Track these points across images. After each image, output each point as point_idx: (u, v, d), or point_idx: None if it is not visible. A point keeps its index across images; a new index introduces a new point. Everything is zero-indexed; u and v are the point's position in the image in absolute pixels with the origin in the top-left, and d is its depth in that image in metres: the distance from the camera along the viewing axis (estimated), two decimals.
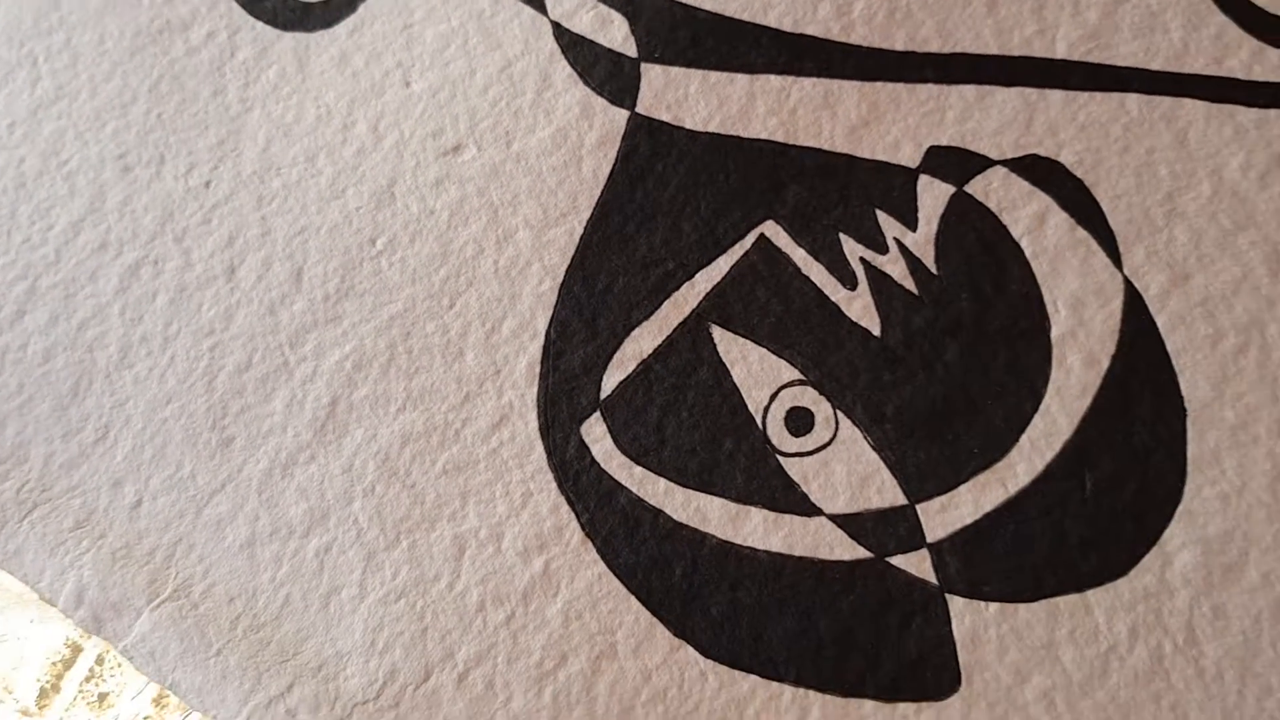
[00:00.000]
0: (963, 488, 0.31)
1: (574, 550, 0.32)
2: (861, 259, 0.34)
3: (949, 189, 0.35)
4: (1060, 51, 0.36)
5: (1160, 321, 0.33)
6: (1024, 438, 0.32)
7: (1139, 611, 0.30)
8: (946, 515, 0.31)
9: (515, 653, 0.31)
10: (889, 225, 0.35)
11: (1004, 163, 0.35)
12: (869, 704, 0.29)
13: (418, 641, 0.31)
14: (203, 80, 0.40)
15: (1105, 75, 0.36)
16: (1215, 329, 0.32)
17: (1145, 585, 0.30)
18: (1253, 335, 0.32)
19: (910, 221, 0.35)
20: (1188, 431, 0.31)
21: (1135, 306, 0.33)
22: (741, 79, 0.37)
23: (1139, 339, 0.33)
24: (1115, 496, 0.31)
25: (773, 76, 0.37)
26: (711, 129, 0.37)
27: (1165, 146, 0.35)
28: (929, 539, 0.31)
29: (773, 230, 0.35)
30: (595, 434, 0.33)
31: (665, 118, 0.37)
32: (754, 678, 0.30)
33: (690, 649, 0.31)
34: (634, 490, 0.32)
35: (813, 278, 0.34)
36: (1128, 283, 0.33)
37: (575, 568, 0.32)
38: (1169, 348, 0.32)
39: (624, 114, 0.37)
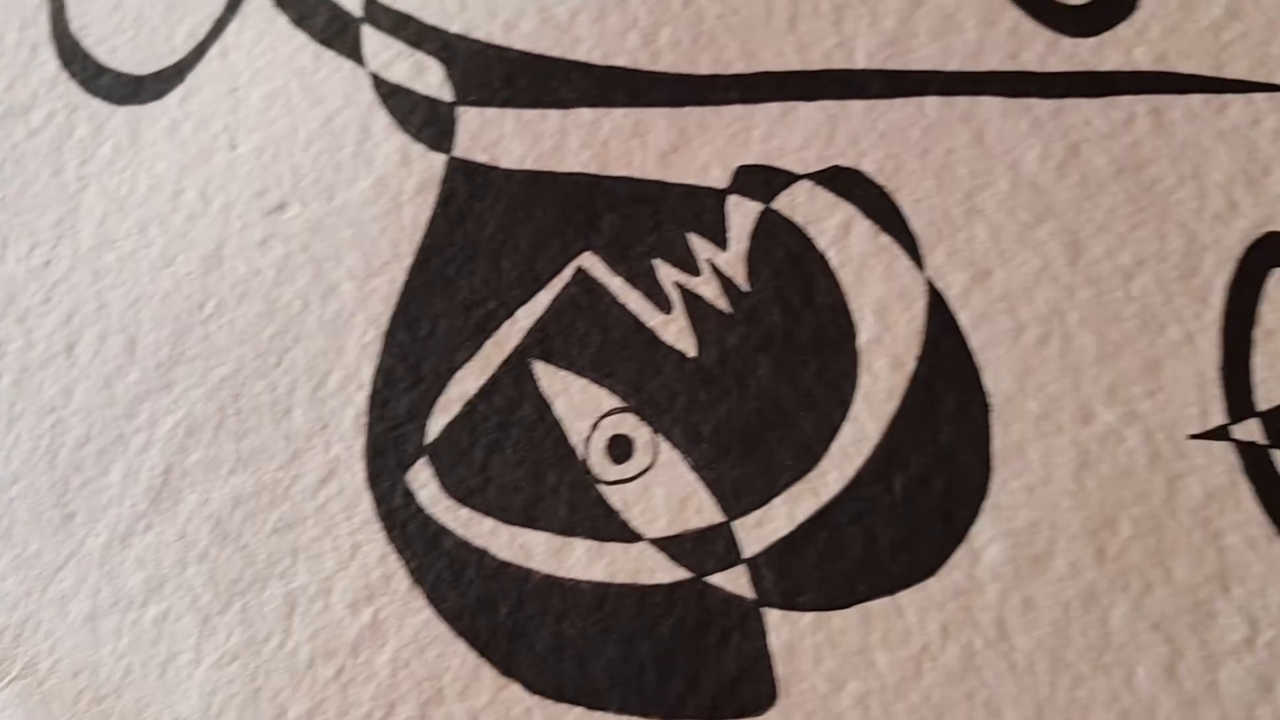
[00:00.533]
0: (777, 500, 0.32)
1: (402, 598, 0.32)
2: (676, 282, 0.35)
3: (757, 206, 0.36)
4: (860, 62, 0.37)
5: (963, 319, 0.33)
6: (834, 445, 0.32)
7: (949, 609, 0.30)
8: (762, 529, 0.32)
9: (345, 706, 0.31)
10: (701, 247, 0.35)
11: (808, 176, 0.36)
12: None
13: (250, 703, 0.32)
14: (43, 161, 0.41)
15: (903, 81, 0.37)
16: (1017, 322, 0.33)
17: (955, 582, 0.30)
18: (1054, 325, 0.33)
19: (721, 242, 0.35)
20: (992, 426, 0.32)
21: (938, 307, 0.33)
22: (554, 115, 0.38)
23: (943, 339, 0.33)
24: (924, 496, 0.31)
25: (585, 110, 0.38)
26: (527, 166, 0.37)
27: (964, 146, 0.35)
28: (745, 554, 0.31)
29: (590, 261, 0.36)
30: (421, 479, 0.34)
31: (482, 159, 0.38)
32: (578, 709, 0.30)
33: (517, 686, 0.31)
34: (460, 532, 0.33)
35: (629, 305, 0.35)
36: (930, 284, 0.34)
37: (403, 615, 0.32)
38: (972, 345, 0.33)
39: (442, 158, 0.38)
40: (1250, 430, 0.31)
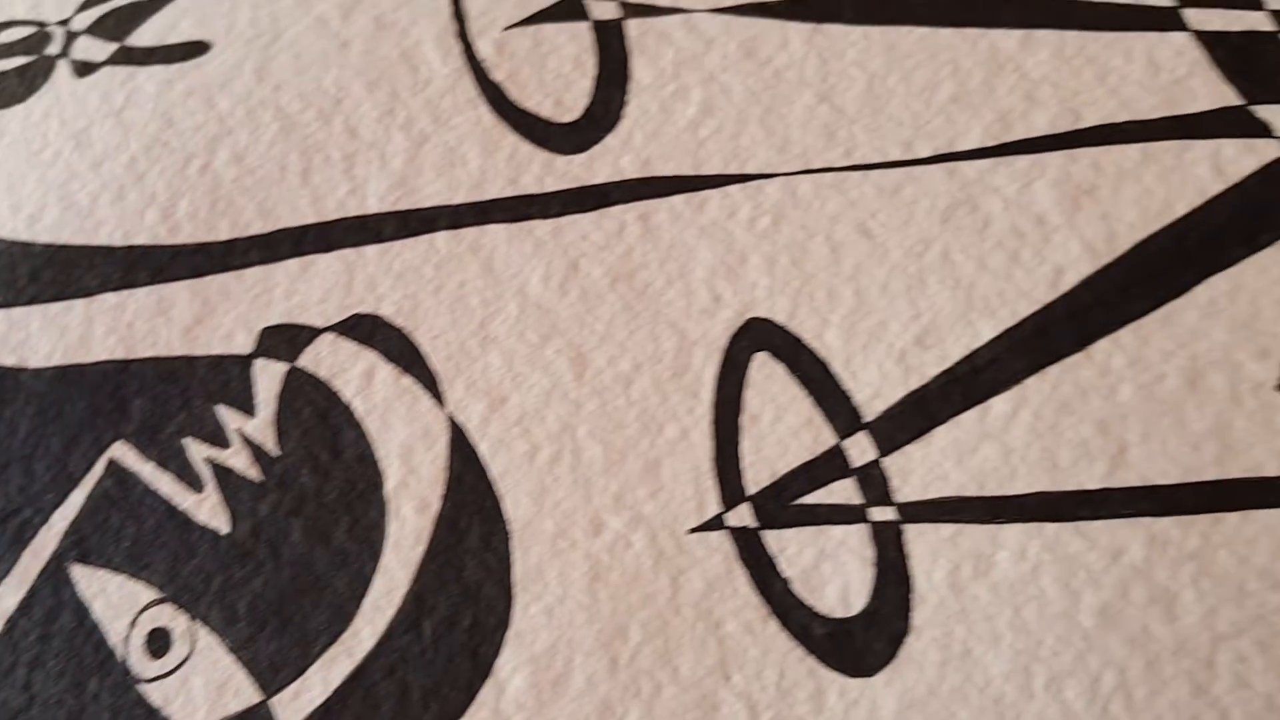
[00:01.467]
0: (312, 668, 0.32)
1: None
2: (207, 458, 0.35)
3: (283, 367, 0.36)
4: (372, 206, 0.38)
5: (482, 450, 0.34)
6: (367, 601, 0.33)
7: None
8: (299, 701, 0.32)
9: None
10: (230, 417, 0.35)
11: (331, 328, 0.36)
12: None
13: None
14: None
15: (414, 220, 0.38)
16: (531, 444, 0.34)
17: None
18: (565, 441, 0.34)
19: (250, 409, 0.35)
20: (513, 553, 0.33)
21: (460, 442, 0.34)
22: (79, 304, 0.38)
23: (465, 473, 0.34)
24: (452, 637, 0.32)
25: (109, 295, 0.38)
26: (54, 363, 0.37)
27: (474, 277, 0.36)
28: None
29: (121, 451, 0.35)
30: None
31: (10, 362, 0.37)
32: None
33: None
34: None
35: (161, 491, 0.35)
36: (451, 420, 0.34)
37: None
38: (492, 474, 0.34)
39: None
40: (742, 515, 0.32)
